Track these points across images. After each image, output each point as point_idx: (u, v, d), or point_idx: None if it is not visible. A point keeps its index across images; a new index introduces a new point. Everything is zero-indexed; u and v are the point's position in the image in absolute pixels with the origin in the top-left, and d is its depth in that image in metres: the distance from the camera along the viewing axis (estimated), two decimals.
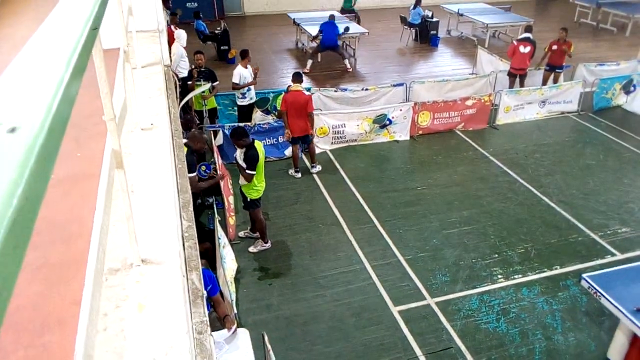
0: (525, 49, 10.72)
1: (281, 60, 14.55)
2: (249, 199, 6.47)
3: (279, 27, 17.42)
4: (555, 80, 11.33)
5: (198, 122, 8.91)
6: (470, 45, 15.88)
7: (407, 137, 9.85)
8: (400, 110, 9.61)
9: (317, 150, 8.88)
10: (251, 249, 6.79)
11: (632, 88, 11.26)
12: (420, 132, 9.94)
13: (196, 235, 2.22)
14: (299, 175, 8.57)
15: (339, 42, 13.34)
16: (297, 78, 8.19)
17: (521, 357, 5.33)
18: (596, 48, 15.72)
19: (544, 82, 11.37)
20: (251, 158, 6.12)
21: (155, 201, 1.89)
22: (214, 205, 6.93)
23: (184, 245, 1.86)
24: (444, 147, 9.65)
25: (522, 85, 11.17)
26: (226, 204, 7.25)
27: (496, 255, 6.74)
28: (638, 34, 16.97)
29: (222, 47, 13.91)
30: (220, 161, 8.16)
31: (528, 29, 10.87)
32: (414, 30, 15.94)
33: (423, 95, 10.76)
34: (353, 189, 8.24)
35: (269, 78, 12.72)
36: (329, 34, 12.99)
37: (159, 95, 3.32)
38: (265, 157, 8.90)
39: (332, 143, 9.45)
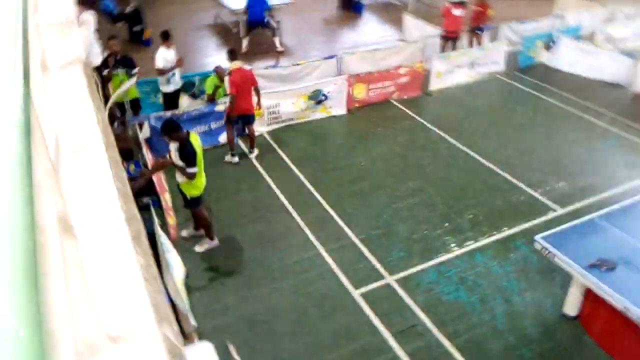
0: (457, 11, 10.73)
1: (202, 38, 13.77)
2: (189, 197, 6.01)
3: (196, 2, 16.44)
4: (478, 42, 11.49)
5: (119, 115, 8.22)
6: (395, 11, 15.77)
7: (344, 112, 9.64)
8: (335, 84, 9.35)
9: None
10: (197, 248, 6.37)
11: (551, 44, 11.64)
12: (357, 104, 9.76)
13: (157, 272, 1.87)
14: (237, 159, 8.15)
15: (266, 17, 12.56)
16: (234, 55, 7.69)
17: (484, 323, 5.39)
18: (515, 7, 16.10)
19: (469, 45, 11.50)
20: (188, 154, 5.63)
21: (106, 254, 1.52)
22: (150, 206, 6.42)
23: (150, 296, 1.51)
24: (381, 118, 9.53)
25: (454, 48, 11.23)
26: (163, 202, 6.74)
27: (447, 225, 6.76)
28: None
29: (134, 28, 12.90)
30: (150, 156, 7.58)
31: None
32: None
33: (355, 66, 10.54)
34: (296, 170, 7.96)
35: (192, 59, 11.93)
36: (255, 9, 12.23)
37: (85, 105, 2.84)
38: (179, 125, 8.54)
39: (268, 124, 9.06)
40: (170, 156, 5.78)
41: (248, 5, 12.16)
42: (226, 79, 7.61)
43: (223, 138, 8.68)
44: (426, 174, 7.84)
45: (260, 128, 8.94)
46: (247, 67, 7.63)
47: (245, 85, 7.55)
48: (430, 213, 6.97)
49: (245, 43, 12.37)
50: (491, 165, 8.00)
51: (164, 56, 8.13)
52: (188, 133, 5.72)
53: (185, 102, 9.22)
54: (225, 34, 13.97)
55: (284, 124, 9.21)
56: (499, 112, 9.81)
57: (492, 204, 7.13)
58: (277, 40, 12.42)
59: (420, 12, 14.56)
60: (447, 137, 8.84)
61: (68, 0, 3.63)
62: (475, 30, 11.37)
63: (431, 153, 8.40)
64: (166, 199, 6.95)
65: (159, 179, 7.37)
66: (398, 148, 8.55)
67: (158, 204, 7.13)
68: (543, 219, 6.84)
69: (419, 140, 8.81)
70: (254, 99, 7.84)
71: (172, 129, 5.62)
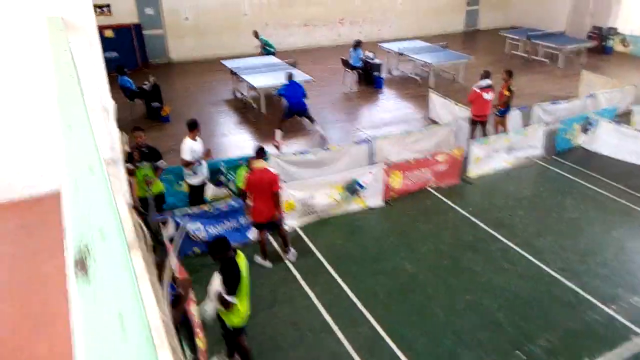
0: (488, 96, 10.26)
1: (220, 114, 13.27)
2: (229, 327, 5.14)
3: (212, 74, 16.18)
4: (503, 124, 10.94)
5: (142, 211, 7.45)
6: (414, 85, 15.51)
7: (381, 202, 8.92)
8: (371, 173, 8.68)
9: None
10: None
11: (589, 127, 11.14)
12: (393, 194, 9.06)
13: None
14: (269, 264, 7.33)
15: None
16: (260, 153, 7.01)
17: None
18: (533, 82, 15.85)
19: (495, 128, 10.97)
20: (229, 276, 4.83)
21: None
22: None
23: None
24: (421, 210, 8.81)
25: (484, 131, 10.70)
26: (192, 319, 5.87)
27: (518, 352, 5.85)
28: (570, 65, 17.45)
29: (152, 104, 12.43)
30: (174, 259, 6.76)
31: (488, 74, 10.42)
32: (356, 73, 15.30)
33: (388, 150, 9.96)
34: (335, 275, 7.13)
35: (212, 139, 11.39)
36: (296, 97, 11.27)
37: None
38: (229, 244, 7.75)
39: (299, 217, 8.31)
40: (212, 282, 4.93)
41: (286, 93, 11.32)
42: (240, 170, 6.92)
43: (253, 235, 7.91)
44: (481, 282, 7.01)
45: (292, 222, 8.19)
46: (272, 170, 6.93)
47: (264, 189, 6.78)
48: (496, 336, 6.08)
49: (279, 134, 11.26)
50: (553, 273, 7.19)
51: (190, 147, 7.48)
52: (235, 252, 4.93)
53: (209, 190, 8.51)
54: (244, 109, 13.51)
55: (318, 217, 8.46)
56: (546, 203, 9.10)
57: (566, 325, 6.25)
58: (319, 127, 11.50)
59: (440, 87, 14.21)
60: (496, 234, 8.07)
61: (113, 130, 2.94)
62: (500, 113, 10.80)
63: (483, 255, 7.60)
64: (194, 313, 6.09)
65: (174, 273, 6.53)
66: (445, 247, 7.75)
67: (183, 318, 6.27)
68: (627, 345, 5.95)
69: (466, 237, 8.03)
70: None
71: (220, 248, 4.83)
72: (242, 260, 4.95)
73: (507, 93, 10.59)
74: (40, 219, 2.46)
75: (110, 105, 2.92)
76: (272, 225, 7.15)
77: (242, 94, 14.26)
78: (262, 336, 6.03)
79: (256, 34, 16.00)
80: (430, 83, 15.11)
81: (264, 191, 6.80)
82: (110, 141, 2.75)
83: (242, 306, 5.01)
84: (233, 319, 5.07)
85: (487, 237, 8.05)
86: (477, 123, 10.59)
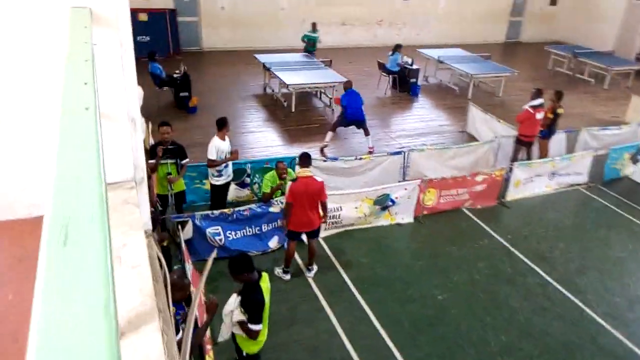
0: (540, 115, 9.60)
1: (249, 110, 12.82)
2: (244, 353, 4.66)
3: (244, 67, 15.74)
4: (543, 147, 10.26)
5: (161, 209, 7.03)
6: (451, 95, 14.87)
7: (411, 219, 8.37)
8: (405, 189, 8.13)
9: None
10: None
11: (639, 157, 10.40)
12: (425, 212, 8.50)
13: None
14: (288, 277, 6.85)
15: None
16: (306, 161, 6.53)
17: None
18: (577, 101, 15.06)
19: (542, 151, 10.30)
20: (254, 305, 4.32)
21: None
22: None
23: None
24: (454, 232, 8.23)
25: (529, 153, 10.04)
26: (188, 311, 5.41)
27: None
28: (616, 87, 16.59)
29: (181, 94, 12.05)
30: (189, 263, 6.34)
31: (540, 93, 9.74)
32: (392, 78, 14.71)
33: (422, 164, 9.39)
34: (359, 298, 6.61)
35: (238, 135, 10.95)
36: (355, 106, 10.51)
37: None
38: (246, 252, 7.28)
39: (324, 229, 7.80)
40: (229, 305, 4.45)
41: (347, 103, 10.47)
42: (288, 184, 6.43)
43: (273, 243, 7.45)
44: (519, 321, 6.42)
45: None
46: (318, 178, 6.45)
47: (310, 199, 6.33)
48: None
49: (329, 136, 10.67)
50: (597, 317, 6.56)
51: (217, 147, 7.03)
52: (260, 275, 4.43)
53: (232, 190, 8.06)
54: (274, 107, 13.04)
55: (342, 229, 7.95)
56: (589, 236, 8.44)
57: None
58: (369, 140, 10.78)
59: (478, 100, 13.52)
60: (535, 268, 7.46)
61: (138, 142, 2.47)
62: (542, 135, 10.11)
63: (521, 290, 7.00)
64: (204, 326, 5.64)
65: (200, 296, 6.09)
66: (480, 278, 7.17)
67: (183, 310, 5.84)
68: None
69: (502, 268, 7.43)
70: (321, 211, 6.61)
71: (242, 266, 4.33)
72: (265, 284, 4.46)
73: (550, 115, 9.91)
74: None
75: (139, 116, 2.44)
76: (312, 233, 6.68)
77: (273, 90, 13.80)
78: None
79: (314, 26, 15.64)
80: (469, 95, 14.45)
81: (309, 201, 6.33)
82: (135, 158, 2.27)
83: (261, 333, 4.53)
84: (250, 346, 4.59)
85: (525, 270, 7.44)
86: (524, 144, 9.93)
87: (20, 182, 2.14)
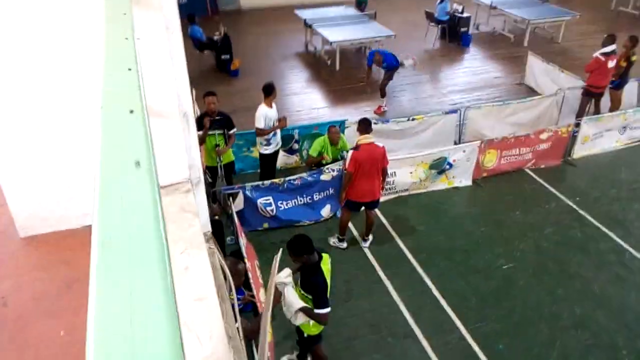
0: (612, 64, 8.74)
1: (291, 69, 12.36)
2: (305, 335, 4.47)
3: (284, 24, 15.13)
4: (615, 98, 9.37)
5: (210, 181, 6.85)
6: (505, 44, 13.88)
7: (469, 182, 7.89)
8: (464, 151, 7.62)
9: None
10: None
11: None
12: (485, 174, 7.98)
13: None
14: (345, 245, 6.60)
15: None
16: (366, 127, 6.13)
17: None
18: None
19: (614, 102, 9.43)
20: (318, 287, 4.05)
21: None
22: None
23: None
24: (517, 195, 7.71)
25: (597, 106, 9.24)
26: (257, 302, 5.28)
27: None
28: None
29: (222, 57, 11.69)
30: (244, 241, 6.16)
31: (613, 39, 8.82)
32: (440, 28, 13.82)
33: (480, 122, 8.79)
34: (419, 269, 6.30)
35: (281, 98, 10.55)
36: (390, 58, 10.09)
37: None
38: (298, 222, 7.07)
39: None
40: (282, 284, 4.20)
41: (384, 60, 9.99)
42: (349, 153, 6.05)
43: (326, 212, 7.19)
44: (593, 292, 5.97)
45: None
46: (379, 144, 6.05)
47: (373, 166, 5.97)
48: None
49: (385, 101, 10.23)
50: None
51: (265, 114, 6.69)
52: (320, 257, 4.17)
53: (279, 157, 7.77)
54: (317, 65, 12.52)
55: (396, 195, 7.58)
56: None
57: None
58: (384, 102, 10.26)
59: (536, 48, 12.50)
60: (609, 232, 6.90)
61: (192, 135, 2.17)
62: (614, 86, 9.23)
63: (594, 258, 6.50)
64: (261, 299, 5.51)
65: (254, 270, 5.95)
66: (548, 245, 6.70)
67: (251, 308, 5.72)
68: None
69: (573, 234, 6.92)
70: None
71: (302, 248, 4.06)
72: (326, 265, 4.20)
73: (623, 64, 9.01)
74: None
75: (191, 111, 2.11)
76: (372, 204, 6.36)
77: (315, 48, 13.24)
78: (337, 338, 5.36)
79: None
80: (525, 42, 13.43)
81: (372, 168, 5.99)
82: (190, 158, 1.97)
83: None
84: (311, 328, 4.39)
85: (597, 235, 6.90)
86: (593, 95, 9.11)
87: (69, 190, 1.88)
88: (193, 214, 1.79)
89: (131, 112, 1.02)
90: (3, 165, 1.75)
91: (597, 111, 9.15)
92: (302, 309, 4.05)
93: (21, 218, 1.77)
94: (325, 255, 4.21)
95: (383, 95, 10.10)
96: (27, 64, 1.89)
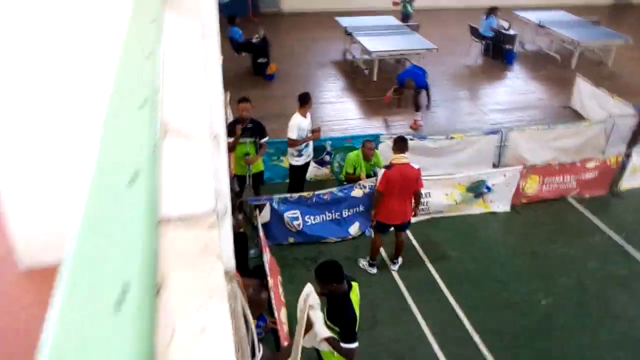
0: None
1: (328, 77, 12.14)
2: None
3: (324, 31, 14.91)
4: None
5: (238, 190, 6.65)
6: (552, 65, 13.33)
7: (508, 208, 7.49)
8: (504, 176, 7.23)
9: None
10: None
11: None
12: (524, 200, 7.57)
13: None
14: (375, 271, 6.30)
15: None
16: (402, 145, 5.84)
17: None
18: None
19: None
20: (345, 320, 3.76)
21: None
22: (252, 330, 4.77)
23: None
24: (558, 225, 7.27)
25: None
26: (278, 326, 5.02)
27: None
28: None
29: (259, 60, 11.55)
30: (266, 248, 5.93)
31: None
32: (484, 44, 13.39)
33: (522, 145, 8.37)
34: (449, 297, 5.95)
35: (315, 106, 10.30)
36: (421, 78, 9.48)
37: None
38: (324, 238, 6.81)
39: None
40: (307, 315, 3.89)
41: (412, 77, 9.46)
42: (381, 171, 5.77)
43: (354, 229, 6.90)
44: (638, 337, 5.51)
45: None
46: (415, 165, 5.74)
47: (405, 188, 5.68)
48: None
49: (420, 116, 9.77)
50: None
51: (299, 125, 6.47)
52: (350, 285, 3.87)
53: (311, 169, 7.53)
54: (353, 75, 12.26)
55: (429, 217, 7.24)
56: None
57: None
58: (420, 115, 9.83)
59: (583, 71, 11.91)
60: None
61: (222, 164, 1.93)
62: None
63: (639, 297, 6.03)
64: (282, 320, 5.25)
65: (276, 287, 5.71)
66: (590, 282, 6.26)
67: (265, 321, 5.48)
68: None
69: (617, 271, 6.46)
70: (413, 202, 5.95)
71: (332, 277, 3.76)
72: (356, 295, 3.90)
73: None
74: None
75: (222, 131, 1.86)
76: (403, 226, 6.07)
77: (353, 56, 12.98)
78: None
79: None
80: (573, 64, 12.89)
81: (404, 190, 5.70)
82: (218, 186, 1.73)
83: None
84: (332, 357, 4.09)
85: None
86: None
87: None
88: (216, 256, 1.54)
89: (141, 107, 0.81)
90: (4, 188, 1.54)
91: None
92: (327, 340, 3.76)
93: (22, 247, 1.56)
94: (354, 284, 3.91)
95: (417, 109, 9.75)
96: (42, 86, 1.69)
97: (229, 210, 1.89)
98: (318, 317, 3.85)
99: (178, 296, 1.41)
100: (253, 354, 2.41)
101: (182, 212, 1.71)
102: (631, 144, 8.44)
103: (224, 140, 1.84)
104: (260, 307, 3.57)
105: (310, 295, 3.85)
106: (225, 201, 1.86)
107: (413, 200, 5.88)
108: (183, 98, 1.63)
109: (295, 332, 3.52)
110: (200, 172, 1.68)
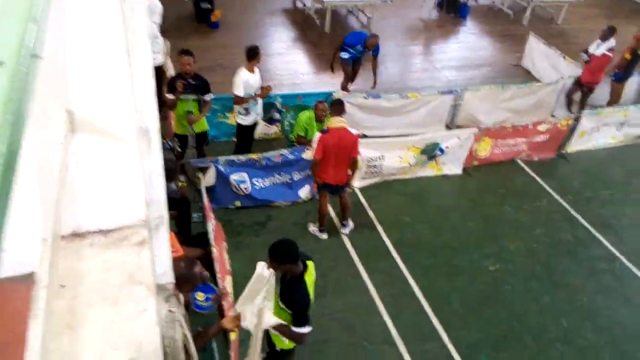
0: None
1: (276, 27, 11.45)
2: (277, 349, 3.93)
3: None
4: (616, 92, 8.95)
5: (179, 151, 6.15)
6: (504, 20, 13.18)
7: (459, 171, 7.40)
8: (458, 138, 7.08)
9: None
10: None
11: None
12: (476, 162, 7.50)
13: None
14: (325, 237, 6.07)
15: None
16: (338, 108, 5.47)
17: None
18: None
19: (615, 95, 8.99)
20: (298, 305, 3.48)
21: None
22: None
23: None
24: (508, 189, 7.27)
25: (584, 100, 8.76)
26: (221, 290, 4.75)
27: None
28: None
29: (202, 5, 10.69)
30: (210, 211, 5.55)
31: (613, 31, 8.37)
32: None
33: (475, 106, 8.23)
34: (401, 265, 5.84)
35: (266, 60, 9.70)
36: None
37: None
38: (273, 202, 6.49)
39: (362, 179, 6.90)
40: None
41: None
42: (317, 135, 5.40)
43: (304, 193, 6.61)
44: (582, 304, 5.64)
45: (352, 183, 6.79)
46: (353, 130, 5.41)
47: (341, 154, 5.36)
48: None
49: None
50: None
51: (246, 80, 5.96)
52: (305, 266, 3.57)
53: (260, 128, 7.08)
54: (304, 25, 11.62)
55: (381, 180, 7.04)
56: None
57: None
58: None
59: (535, 27, 11.88)
60: (600, 237, 6.57)
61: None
62: (616, 78, 8.80)
63: (584, 264, 6.17)
64: (226, 288, 4.98)
65: (221, 254, 5.38)
66: (537, 248, 6.32)
67: (213, 291, 5.19)
68: None
69: (563, 236, 6.55)
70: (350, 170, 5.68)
71: (288, 257, 3.43)
72: (311, 276, 3.62)
73: (627, 56, 8.53)
74: None
75: (154, 125, 1.43)
76: (339, 188, 5.79)
77: (304, 4, 12.29)
78: (308, 339, 4.88)
79: None
80: (524, 20, 12.78)
81: (340, 155, 5.38)
82: (147, 191, 1.33)
83: None
84: (283, 342, 3.86)
85: (588, 239, 6.56)
86: (588, 89, 8.62)
87: None
88: (147, 287, 1.17)
89: None
90: None
91: (582, 105, 8.69)
92: (276, 328, 3.50)
93: None
94: (310, 264, 3.63)
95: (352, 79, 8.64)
96: None
97: (166, 218, 1.50)
98: (268, 311, 3.56)
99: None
100: None
101: (103, 225, 1.32)
102: (582, 106, 8.51)
103: (156, 135, 1.43)
104: (192, 282, 3.23)
105: (264, 314, 3.49)
106: (161, 209, 1.47)
107: (349, 170, 5.58)
108: (96, 79, 1.21)
109: (249, 349, 3.26)
110: (127, 175, 1.28)
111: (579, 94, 8.80)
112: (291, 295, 3.48)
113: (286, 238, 3.54)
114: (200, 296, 3.92)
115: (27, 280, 1.06)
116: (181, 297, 2.90)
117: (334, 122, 5.34)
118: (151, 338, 1.04)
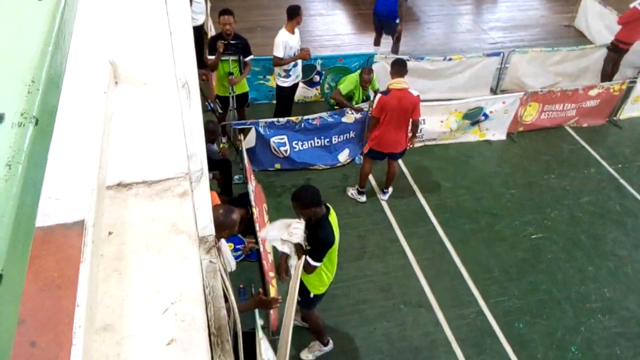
0: None
1: None
2: (311, 295, 4.02)
3: None
4: None
5: (221, 112, 6.22)
6: None
7: (503, 137, 7.19)
8: (503, 102, 6.85)
9: None
10: (304, 355, 4.51)
11: None
12: (521, 128, 7.26)
13: None
14: (364, 199, 6.07)
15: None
16: (400, 68, 5.38)
17: None
18: None
19: None
20: (322, 242, 3.62)
21: None
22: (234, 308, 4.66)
23: None
24: (554, 156, 7.03)
25: (618, 64, 8.20)
26: (264, 259, 4.89)
27: None
28: None
29: None
30: (250, 173, 5.63)
31: None
32: None
33: (522, 69, 7.92)
34: (440, 230, 5.80)
35: (306, 21, 9.55)
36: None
37: None
38: (313, 165, 6.51)
39: None
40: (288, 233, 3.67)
41: None
42: (377, 96, 5.36)
43: (344, 157, 6.60)
44: (628, 275, 5.47)
45: None
46: (414, 92, 5.31)
47: (402, 116, 5.30)
48: None
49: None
50: None
51: (286, 42, 5.90)
52: (328, 210, 3.67)
53: (298, 89, 7.05)
54: None
55: (422, 144, 6.92)
56: None
57: None
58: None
59: None
60: None
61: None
62: None
63: (631, 235, 5.95)
64: (267, 249, 5.09)
65: (261, 214, 5.49)
66: (583, 217, 6.12)
67: (256, 257, 5.33)
68: None
69: (611, 206, 6.32)
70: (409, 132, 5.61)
71: (308, 201, 3.57)
72: (334, 219, 3.72)
73: None
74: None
75: (193, 79, 1.43)
76: (395, 155, 5.74)
77: None
78: (346, 300, 4.97)
79: None
80: None
81: (400, 117, 5.32)
82: (190, 145, 1.36)
83: (329, 270, 3.89)
84: (317, 286, 3.97)
85: (637, 209, 6.30)
86: (620, 52, 8.05)
87: None
88: (188, 235, 1.21)
89: None
90: None
91: (615, 70, 8.16)
92: (299, 249, 3.60)
93: None
94: (333, 212, 3.73)
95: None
96: None
97: (206, 172, 1.53)
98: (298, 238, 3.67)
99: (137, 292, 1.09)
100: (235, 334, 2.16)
101: (147, 176, 1.35)
102: (605, 74, 8.01)
103: (195, 89, 1.43)
104: (230, 228, 3.31)
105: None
106: (202, 161, 1.50)
107: (410, 130, 5.52)
108: (136, 31, 1.22)
109: (287, 305, 3.35)
110: (167, 128, 1.30)
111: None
112: (317, 235, 3.58)
113: (308, 184, 3.65)
114: (229, 246, 4.05)
115: (77, 226, 1.11)
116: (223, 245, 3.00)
117: (395, 83, 5.27)
118: (193, 284, 1.08)
